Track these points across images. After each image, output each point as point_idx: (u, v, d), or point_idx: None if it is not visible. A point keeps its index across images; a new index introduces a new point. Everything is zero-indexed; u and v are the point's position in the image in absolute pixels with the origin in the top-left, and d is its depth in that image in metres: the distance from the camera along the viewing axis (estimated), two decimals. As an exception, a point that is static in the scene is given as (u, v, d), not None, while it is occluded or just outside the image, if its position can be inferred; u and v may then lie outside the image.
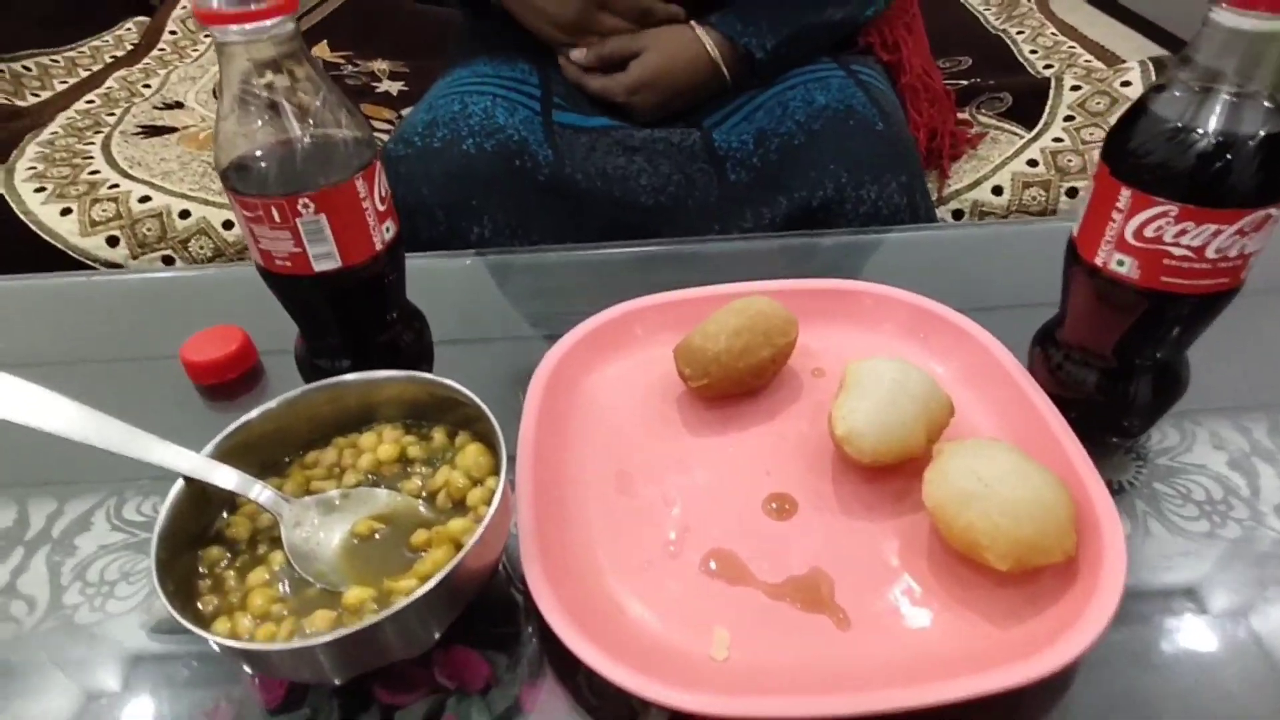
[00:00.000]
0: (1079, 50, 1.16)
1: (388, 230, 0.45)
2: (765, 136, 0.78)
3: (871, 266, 0.65)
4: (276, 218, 0.41)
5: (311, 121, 0.41)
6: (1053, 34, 1.23)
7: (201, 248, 0.85)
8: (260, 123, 0.41)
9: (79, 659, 0.39)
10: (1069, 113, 1.00)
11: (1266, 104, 0.35)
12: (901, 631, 0.36)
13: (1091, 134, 0.96)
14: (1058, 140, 0.97)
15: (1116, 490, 0.44)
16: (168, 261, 0.85)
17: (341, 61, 1.20)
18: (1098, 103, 1.00)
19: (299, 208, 0.41)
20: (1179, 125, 0.36)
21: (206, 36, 1.27)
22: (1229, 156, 0.35)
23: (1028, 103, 1.04)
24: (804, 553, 0.40)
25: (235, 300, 0.65)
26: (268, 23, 0.38)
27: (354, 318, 0.48)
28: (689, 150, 0.80)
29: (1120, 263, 0.39)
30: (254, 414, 0.40)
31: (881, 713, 0.33)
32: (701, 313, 0.49)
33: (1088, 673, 0.36)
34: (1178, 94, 0.36)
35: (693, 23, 0.82)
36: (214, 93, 1.09)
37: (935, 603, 0.37)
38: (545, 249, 0.67)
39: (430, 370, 0.52)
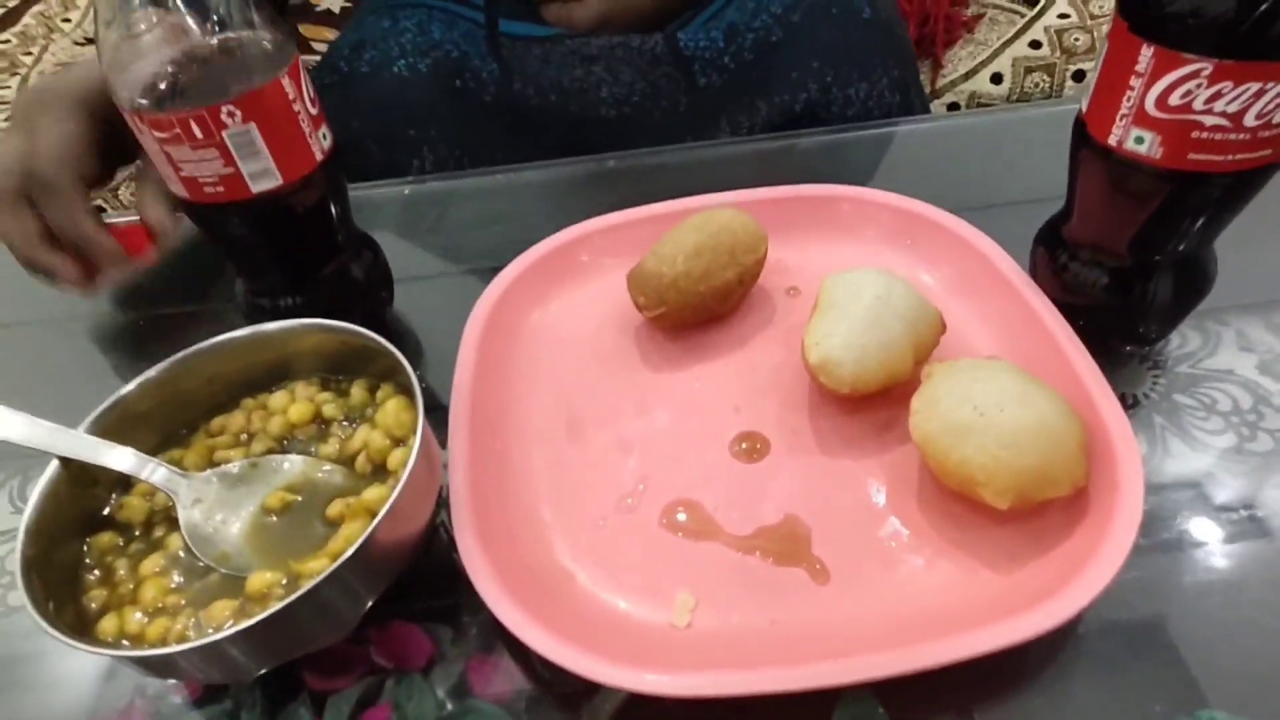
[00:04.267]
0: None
1: (324, 138, 0.40)
2: (737, 32, 0.70)
3: (853, 169, 0.58)
4: (198, 133, 0.35)
5: (217, 18, 0.35)
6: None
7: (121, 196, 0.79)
8: (154, 24, 0.34)
9: (-23, 660, 0.35)
10: (1075, -16, 0.90)
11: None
12: (887, 583, 0.32)
13: (1101, 7, 0.87)
14: (1063, 16, 0.88)
15: (1130, 404, 0.39)
16: (98, 212, 0.79)
17: (279, -19, 1.10)
18: (1107, -29, 0.90)
19: (223, 118, 0.35)
20: (1213, -39, 0.29)
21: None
22: (1277, -5, 0.28)
23: (1029, -23, 0.94)
24: (777, 498, 0.35)
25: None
26: None
27: (299, 246, 0.42)
28: (651, 54, 0.72)
29: (1139, 140, 0.33)
30: (130, 387, 0.35)
31: (864, 682, 0.28)
32: (658, 232, 0.43)
33: (1099, 607, 0.31)
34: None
35: None
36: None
37: (926, 548, 0.33)
38: (490, 171, 0.60)
39: (391, 299, 0.47)
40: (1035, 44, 0.85)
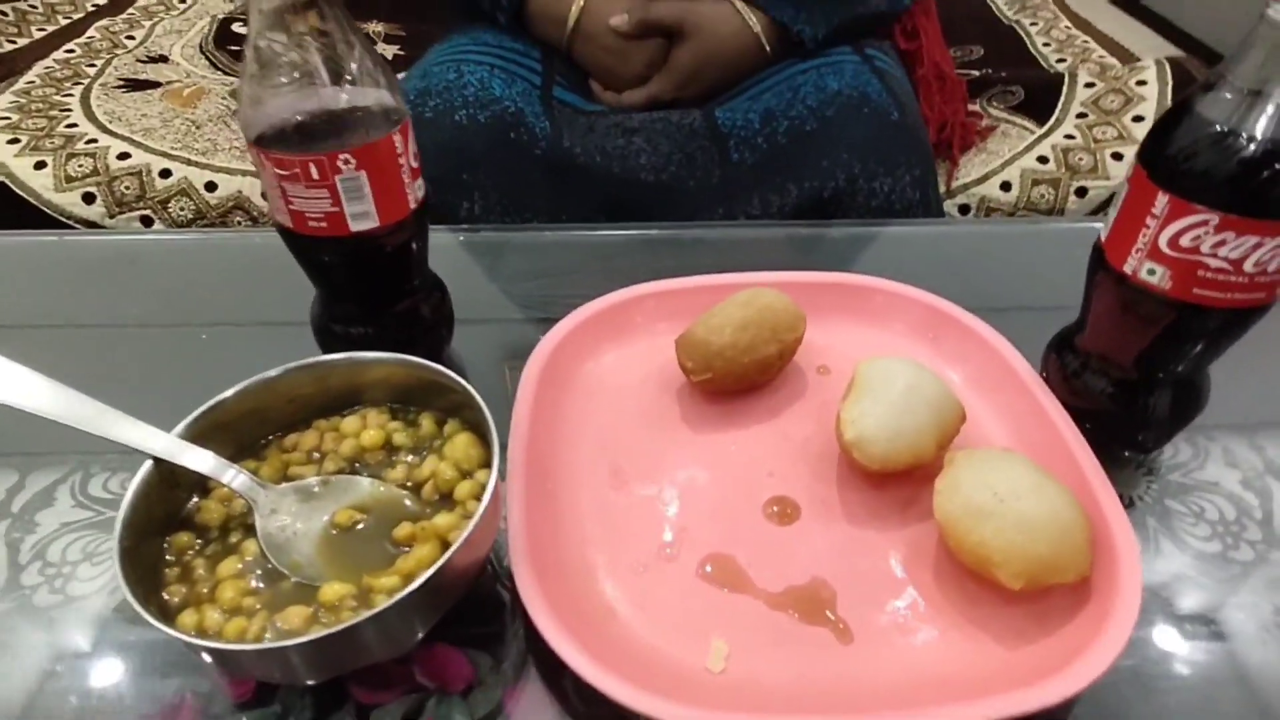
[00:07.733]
0: (1093, 46, 1.14)
1: (419, 189, 0.44)
2: (773, 117, 0.76)
3: (881, 260, 0.63)
4: (315, 175, 0.38)
5: (348, 76, 0.39)
6: (1066, 27, 1.21)
7: (182, 209, 0.82)
8: (293, 78, 0.38)
9: (36, 643, 0.37)
10: (1082, 110, 0.98)
11: (1319, 111, 0.33)
12: (905, 648, 0.35)
13: (1104, 133, 0.94)
14: (1069, 138, 0.95)
15: (1127, 505, 0.43)
16: (146, 222, 0.82)
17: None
18: (1111, 101, 0.98)
19: (339, 164, 0.38)
20: (1225, 129, 0.34)
21: (195, -12, 1.22)
22: (1278, 165, 0.33)
23: (1040, 97, 1.01)
24: (805, 561, 0.38)
25: (223, 266, 0.63)
26: None
27: (380, 282, 0.46)
28: (689, 129, 0.78)
29: (1151, 271, 0.37)
30: (229, 393, 0.38)
31: (884, 736, 0.31)
32: (705, 302, 0.46)
33: (1091, 696, 0.34)
34: (1225, 96, 0.34)
35: (735, 1, 0.79)
36: (200, 47, 1.04)
37: (941, 619, 0.36)
38: (541, 227, 0.64)
39: (450, 340, 0.50)
40: (1043, 159, 0.92)
